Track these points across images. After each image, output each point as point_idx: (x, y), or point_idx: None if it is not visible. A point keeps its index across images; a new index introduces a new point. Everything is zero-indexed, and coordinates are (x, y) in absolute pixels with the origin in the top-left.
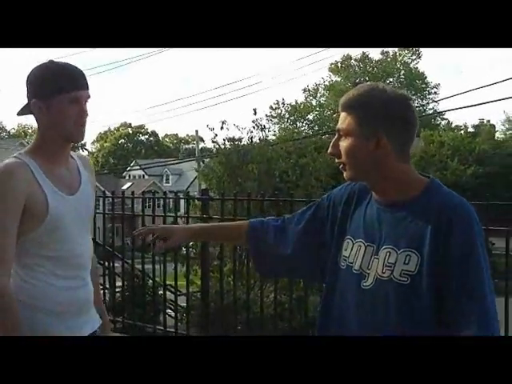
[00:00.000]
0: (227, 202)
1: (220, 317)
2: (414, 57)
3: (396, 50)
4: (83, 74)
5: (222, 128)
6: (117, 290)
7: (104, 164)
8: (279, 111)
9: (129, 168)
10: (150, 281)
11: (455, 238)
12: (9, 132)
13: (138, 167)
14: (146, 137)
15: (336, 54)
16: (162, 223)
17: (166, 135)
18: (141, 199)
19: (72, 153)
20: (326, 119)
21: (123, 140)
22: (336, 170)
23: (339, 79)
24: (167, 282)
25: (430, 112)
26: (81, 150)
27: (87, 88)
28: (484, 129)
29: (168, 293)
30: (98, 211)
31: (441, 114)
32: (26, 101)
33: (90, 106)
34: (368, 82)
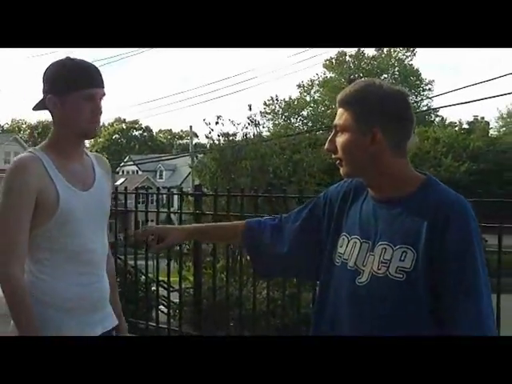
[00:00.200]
0: (220, 197)
1: (212, 313)
2: (408, 53)
3: None
4: (99, 72)
5: (217, 123)
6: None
7: None
8: (273, 107)
9: (122, 163)
10: (143, 277)
11: (451, 234)
12: (2, 127)
13: (131, 163)
14: (140, 132)
15: (331, 50)
16: (155, 219)
17: (160, 130)
18: (134, 195)
19: (87, 151)
20: (320, 115)
21: (117, 135)
22: (329, 166)
23: (334, 75)
24: (160, 278)
25: (424, 109)
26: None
27: (102, 86)
28: (478, 126)
29: (161, 289)
30: None
31: (435, 110)
32: (41, 96)
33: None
34: (365, 78)
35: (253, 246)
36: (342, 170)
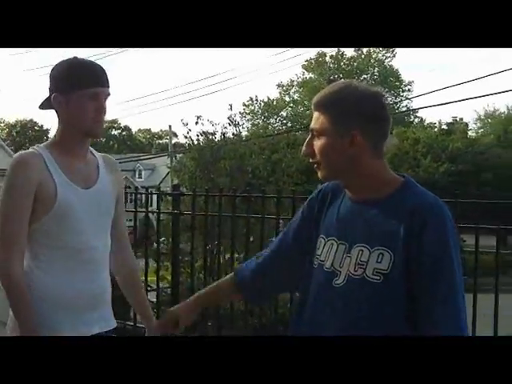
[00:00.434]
0: (199, 197)
1: None
2: (388, 54)
3: None
4: (104, 71)
5: (196, 123)
6: None
7: None
8: (252, 108)
9: None
10: None
11: (428, 236)
12: None
13: None
14: (119, 131)
15: (311, 50)
16: (134, 219)
17: (140, 130)
18: None
19: (95, 151)
20: (300, 115)
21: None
22: (307, 167)
23: (313, 76)
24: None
25: (404, 109)
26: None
27: (107, 85)
28: (458, 127)
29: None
30: None
31: (414, 111)
32: (48, 94)
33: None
34: (341, 80)
35: (253, 295)
36: (320, 174)
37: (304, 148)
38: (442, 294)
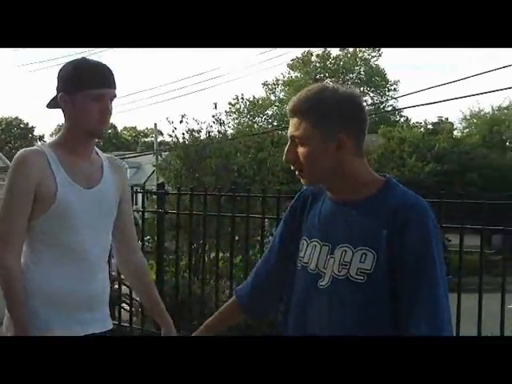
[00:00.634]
0: (184, 196)
1: (175, 311)
2: (374, 53)
3: None
4: (111, 73)
5: (181, 121)
6: None
7: None
8: (238, 106)
9: None
10: None
11: (411, 237)
12: None
13: None
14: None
15: (296, 49)
16: None
17: (125, 128)
18: None
19: (100, 152)
20: (286, 115)
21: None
22: None
23: (299, 75)
24: (122, 276)
25: (389, 109)
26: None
27: (113, 87)
28: (443, 127)
29: (123, 287)
30: None
31: (400, 110)
32: (55, 94)
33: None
34: (316, 84)
35: (259, 313)
36: (303, 180)
37: (285, 155)
38: (425, 294)
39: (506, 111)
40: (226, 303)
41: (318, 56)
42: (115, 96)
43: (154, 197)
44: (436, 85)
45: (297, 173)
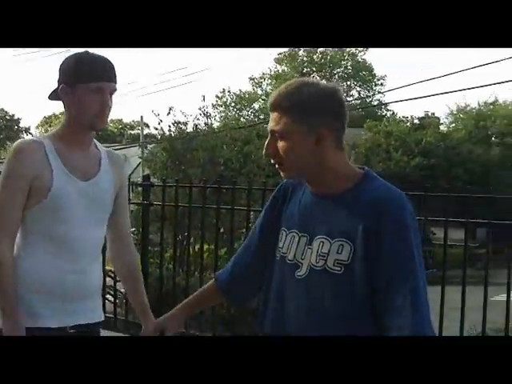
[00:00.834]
0: (169, 188)
1: (159, 303)
2: (361, 48)
3: None
4: (112, 66)
5: (168, 113)
6: None
7: None
8: (225, 99)
9: None
10: None
11: (387, 230)
12: None
13: None
14: None
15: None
16: None
17: (111, 120)
18: None
19: (100, 145)
20: None
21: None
22: None
23: (286, 69)
24: (107, 268)
25: (375, 103)
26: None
27: (113, 80)
28: (430, 121)
29: (108, 278)
30: None
31: (386, 105)
32: (56, 86)
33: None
34: (296, 78)
35: (237, 298)
36: (283, 174)
37: (265, 149)
38: (403, 288)
39: (491, 107)
40: (206, 284)
41: (305, 50)
42: (115, 90)
43: (140, 189)
44: (422, 80)
45: (277, 166)
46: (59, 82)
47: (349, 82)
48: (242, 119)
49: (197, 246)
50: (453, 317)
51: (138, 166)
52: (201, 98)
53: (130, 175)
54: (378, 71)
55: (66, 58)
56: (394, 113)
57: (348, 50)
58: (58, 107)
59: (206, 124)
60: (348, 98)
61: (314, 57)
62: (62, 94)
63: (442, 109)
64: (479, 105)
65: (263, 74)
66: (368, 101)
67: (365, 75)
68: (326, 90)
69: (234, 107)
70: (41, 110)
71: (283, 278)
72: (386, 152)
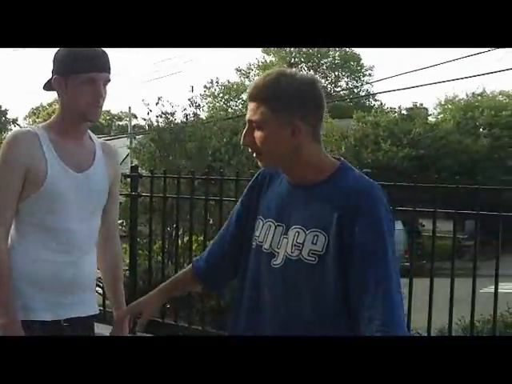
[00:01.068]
0: (158, 179)
1: None
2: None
3: None
4: (105, 57)
5: (157, 103)
6: None
7: None
8: (213, 90)
9: None
10: None
11: (361, 222)
12: None
13: None
14: None
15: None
16: None
17: None
18: None
19: (94, 137)
20: None
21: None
22: None
23: (274, 59)
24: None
25: (363, 94)
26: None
27: (107, 71)
28: (418, 112)
29: (96, 270)
30: None
31: (374, 95)
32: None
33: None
34: (275, 69)
35: (212, 285)
36: (260, 163)
37: (243, 138)
38: (374, 280)
39: (479, 98)
40: (183, 270)
41: None
42: (109, 80)
43: (128, 180)
44: (410, 70)
45: (254, 155)
46: (53, 72)
47: (337, 73)
48: (229, 110)
49: (185, 238)
50: (441, 308)
51: (126, 157)
52: (189, 88)
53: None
54: (366, 61)
55: (60, 49)
56: (382, 103)
57: None
58: (45, 98)
59: (195, 114)
60: (336, 89)
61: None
62: (56, 85)
63: (430, 100)
64: (467, 96)
65: (250, 64)
66: (356, 91)
67: (353, 65)
68: (303, 81)
69: (222, 98)
70: (28, 101)
71: (259, 267)
72: (375, 143)
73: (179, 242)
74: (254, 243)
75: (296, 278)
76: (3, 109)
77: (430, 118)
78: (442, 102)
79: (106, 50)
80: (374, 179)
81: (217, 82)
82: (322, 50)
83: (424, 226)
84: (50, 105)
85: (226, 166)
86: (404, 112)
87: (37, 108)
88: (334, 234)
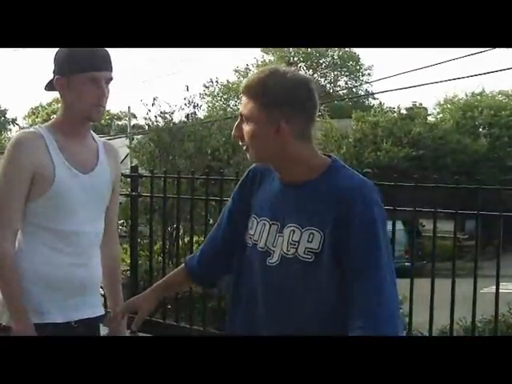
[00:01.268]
0: (157, 179)
1: None
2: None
3: None
4: (107, 56)
5: (153, 104)
6: None
7: None
8: (212, 89)
9: None
10: None
11: (354, 222)
12: None
13: None
14: None
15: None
16: None
17: None
18: None
19: (96, 137)
20: None
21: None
22: None
23: (272, 58)
24: None
25: (362, 93)
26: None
27: (109, 69)
28: (418, 112)
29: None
30: None
31: (373, 95)
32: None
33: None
34: (269, 67)
35: (206, 282)
36: (249, 157)
37: (233, 131)
38: (368, 280)
39: (478, 97)
40: (177, 269)
41: None
42: (111, 79)
43: (128, 180)
44: (409, 70)
45: (244, 149)
46: (54, 72)
47: (336, 72)
48: (228, 109)
49: (186, 238)
50: (442, 309)
51: (125, 157)
52: (185, 88)
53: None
54: (365, 61)
55: (61, 48)
56: (381, 103)
57: None
58: (45, 98)
59: (193, 114)
60: (335, 88)
61: None
62: (58, 86)
63: (429, 100)
64: (466, 95)
65: (247, 65)
66: (355, 91)
67: (352, 65)
68: (294, 81)
69: (221, 97)
70: (27, 101)
71: (255, 265)
72: (374, 143)
73: (180, 242)
74: (249, 242)
75: (292, 275)
76: (2, 108)
77: (429, 118)
78: (442, 102)
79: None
80: (373, 179)
81: (216, 82)
82: (321, 50)
83: (424, 226)
84: (49, 104)
85: (226, 166)
86: (403, 112)
87: (36, 108)
88: (328, 232)
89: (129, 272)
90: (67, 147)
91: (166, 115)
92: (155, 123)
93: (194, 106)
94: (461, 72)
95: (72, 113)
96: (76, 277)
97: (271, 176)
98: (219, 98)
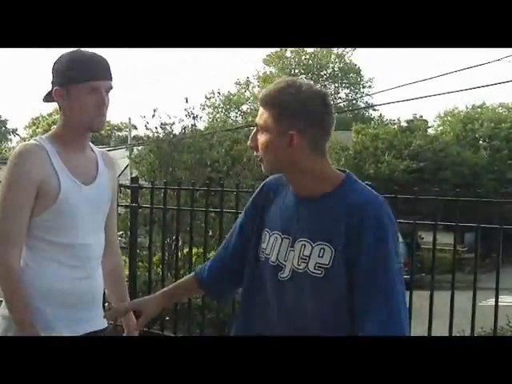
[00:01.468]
0: (158, 190)
1: None
2: (348, 49)
3: None
4: (106, 64)
5: (153, 116)
6: None
7: None
8: (214, 101)
9: None
10: None
11: (366, 236)
12: None
13: None
14: None
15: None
16: None
17: None
18: None
19: (94, 147)
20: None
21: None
22: None
23: (274, 70)
24: None
25: (363, 106)
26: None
27: (109, 78)
28: (418, 124)
29: None
30: None
31: (373, 107)
32: (50, 87)
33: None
34: (286, 78)
35: (216, 295)
36: (263, 167)
37: (249, 141)
38: (379, 291)
39: (479, 110)
40: (186, 278)
41: (292, 51)
42: (111, 87)
43: (128, 191)
44: (410, 82)
45: (258, 159)
46: (53, 83)
47: (336, 84)
48: (229, 120)
49: (185, 250)
50: (441, 321)
51: (125, 168)
52: (184, 100)
53: (118, 177)
54: (365, 73)
55: (58, 58)
56: (381, 115)
57: (335, 51)
58: (45, 108)
59: (193, 125)
60: (336, 101)
61: (302, 58)
62: (57, 96)
63: (429, 111)
64: (467, 108)
65: (247, 78)
66: (355, 103)
67: (353, 77)
68: (309, 94)
69: (222, 108)
70: (28, 111)
71: (266, 280)
72: (374, 155)
73: (179, 253)
74: (261, 256)
75: (303, 290)
76: (3, 119)
77: (429, 130)
78: (442, 114)
79: (106, 50)
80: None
81: (218, 93)
82: (322, 62)
83: (423, 238)
84: (49, 115)
85: (226, 177)
86: (404, 124)
87: (36, 118)
88: (340, 248)
89: (127, 283)
90: (69, 159)
91: (167, 126)
92: (155, 134)
93: (194, 118)
94: (461, 84)
95: (72, 124)
96: (83, 290)
97: (285, 190)
98: (220, 109)
